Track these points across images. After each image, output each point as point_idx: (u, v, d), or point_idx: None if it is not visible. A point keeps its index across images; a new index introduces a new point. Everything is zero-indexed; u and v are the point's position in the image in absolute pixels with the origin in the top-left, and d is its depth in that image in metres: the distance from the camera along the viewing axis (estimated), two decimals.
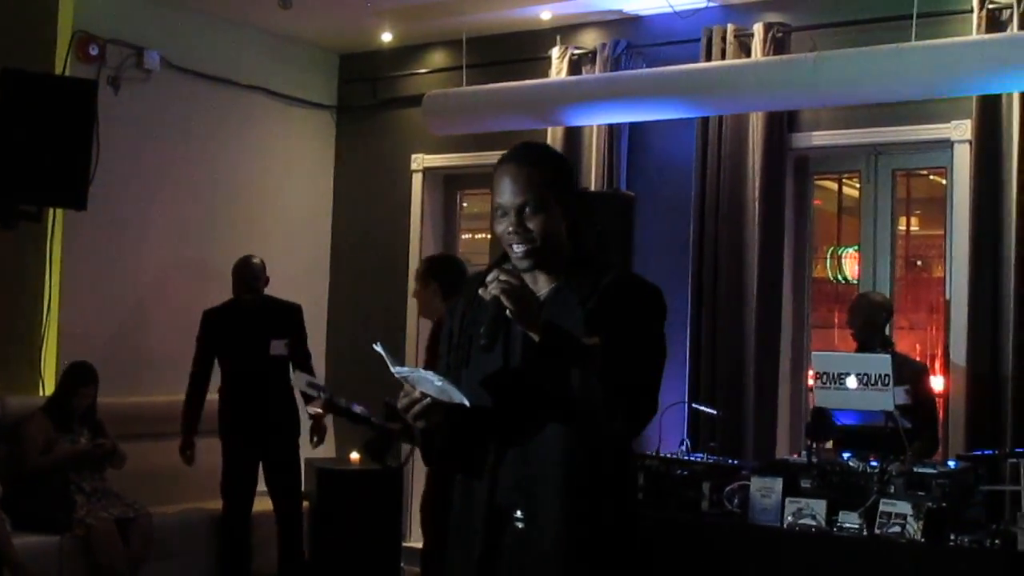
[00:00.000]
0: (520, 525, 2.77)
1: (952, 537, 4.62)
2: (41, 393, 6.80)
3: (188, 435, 6.85)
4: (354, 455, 7.78)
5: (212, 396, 6.95)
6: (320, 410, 6.57)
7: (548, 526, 2.74)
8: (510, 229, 2.78)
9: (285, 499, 6.92)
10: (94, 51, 7.09)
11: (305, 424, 6.97)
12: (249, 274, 6.86)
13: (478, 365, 2.84)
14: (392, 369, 2.72)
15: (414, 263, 8.16)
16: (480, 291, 2.70)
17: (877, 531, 4.72)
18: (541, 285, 2.86)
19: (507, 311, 2.65)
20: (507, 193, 2.79)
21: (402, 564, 7.52)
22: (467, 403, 2.67)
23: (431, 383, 2.71)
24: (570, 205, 2.85)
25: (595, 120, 7.11)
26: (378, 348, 2.75)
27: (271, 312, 6.93)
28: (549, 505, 2.74)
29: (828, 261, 7.12)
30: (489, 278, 2.67)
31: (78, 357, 6.59)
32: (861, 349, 5.89)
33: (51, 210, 6.82)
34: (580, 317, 2.74)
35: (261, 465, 6.91)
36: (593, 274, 2.83)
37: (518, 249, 2.79)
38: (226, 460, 6.83)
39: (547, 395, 2.72)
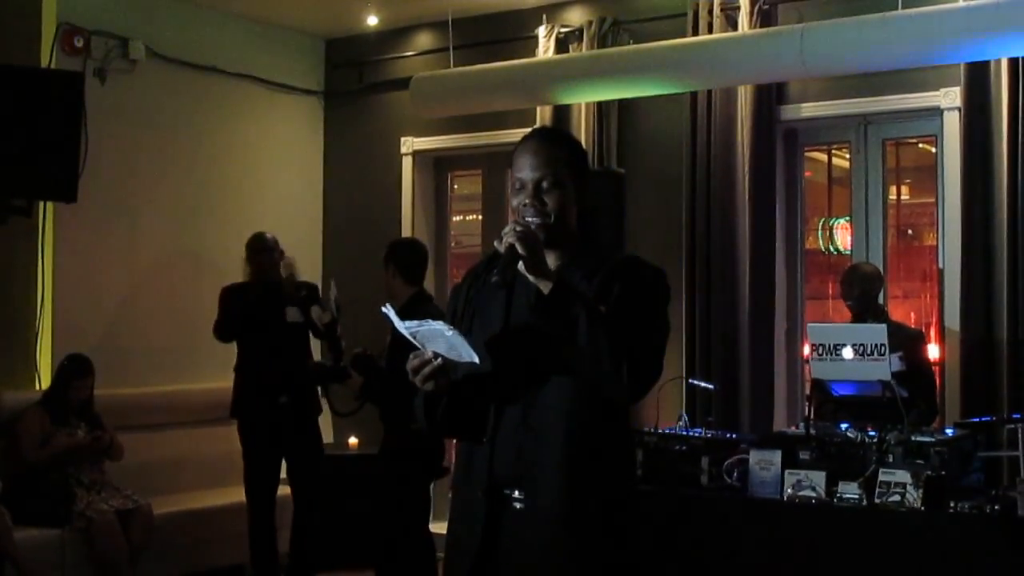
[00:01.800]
0: (519, 505, 2.80)
1: (952, 504, 4.63)
2: (37, 387, 6.79)
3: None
4: (352, 439, 7.81)
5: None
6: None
7: (548, 500, 2.77)
8: (526, 202, 2.86)
9: (303, 481, 6.87)
10: (79, 43, 7.06)
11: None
12: (261, 247, 6.79)
13: (480, 336, 2.87)
14: (402, 325, 2.75)
15: None
16: (495, 242, 2.78)
17: (877, 501, 4.73)
18: (549, 262, 2.89)
19: (519, 262, 2.73)
20: (527, 168, 2.88)
21: None
22: (477, 360, 2.71)
23: (441, 335, 2.73)
24: (583, 189, 2.93)
25: (584, 98, 7.10)
26: (385, 310, 2.81)
27: (280, 290, 6.82)
28: (550, 479, 2.77)
29: (820, 232, 7.13)
30: (505, 229, 2.76)
31: (73, 350, 6.59)
32: (856, 320, 5.90)
33: (41, 204, 6.80)
34: (586, 291, 2.80)
35: (285, 452, 6.85)
36: (598, 255, 2.91)
37: (532, 222, 2.85)
38: (246, 443, 6.74)
39: (551, 354, 2.76)
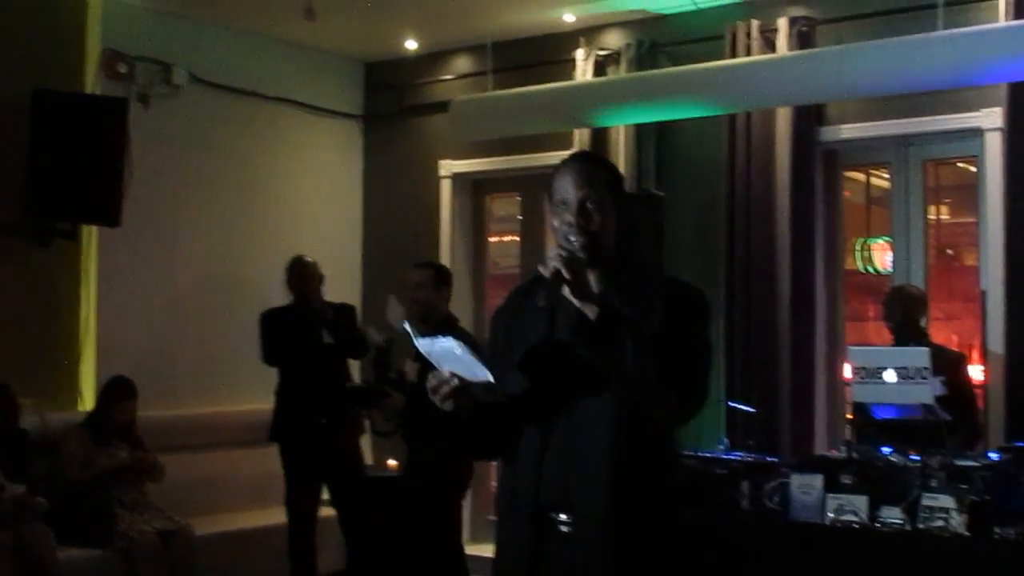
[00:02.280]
0: (565, 529, 2.80)
1: (996, 530, 4.58)
2: (80, 408, 6.86)
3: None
4: (392, 461, 7.81)
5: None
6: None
7: (594, 525, 2.77)
8: (570, 220, 2.88)
9: (344, 502, 6.90)
10: (123, 69, 7.15)
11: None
12: (301, 271, 6.84)
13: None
14: (416, 342, 2.82)
15: None
16: (539, 267, 2.80)
17: (920, 525, 4.69)
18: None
19: (563, 288, 2.77)
20: (571, 187, 2.90)
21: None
22: (491, 378, 2.75)
23: (452, 353, 2.77)
24: (621, 212, 2.96)
25: (622, 120, 7.11)
26: (406, 327, 2.89)
27: (320, 313, 6.83)
28: (595, 504, 2.77)
29: (858, 253, 7.08)
30: (550, 253, 2.79)
31: (116, 372, 6.64)
32: (897, 342, 5.86)
33: (86, 227, 6.88)
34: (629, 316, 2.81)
35: (325, 475, 6.88)
36: (636, 277, 2.93)
37: (575, 240, 2.87)
38: (286, 466, 6.78)
39: (596, 379, 2.77)
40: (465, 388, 2.80)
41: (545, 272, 2.77)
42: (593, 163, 3.01)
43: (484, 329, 8.27)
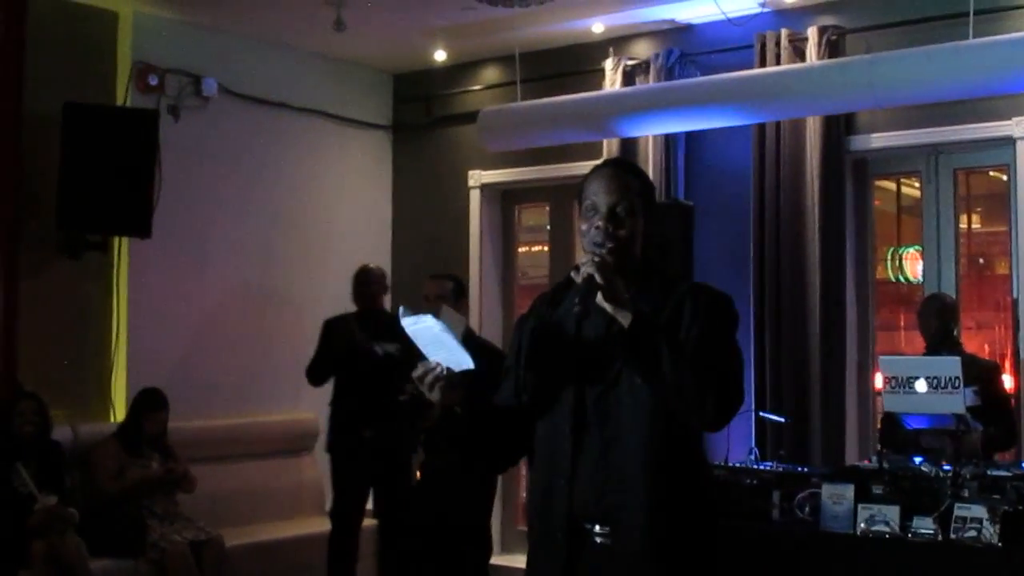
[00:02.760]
0: (600, 540, 2.80)
1: None
2: (112, 419, 6.90)
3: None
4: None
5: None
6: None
7: (632, 538, 2.76)
8: (599, 224, 2.89)
9: (389, 510, 6.91)
10: (153, 81, 7.19)
11: None
12: (365, 281, 6.91)
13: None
14: (402, 321, 2.81)
15: (474, 278, 8.20)
16: (572, 273, 2.81)
17: (952, 536, 4.65)
18: None
19: (597, 294, 2.75)
20: (602, 192, 2.91)
21: None
22: (472, 365, 2.76)
23: (435, 335, 2.78)
24: (650, 221, 2.96)
25: (651, 130, 7.11)
26: (400, 310, 2.84)
27: (384, 322, 6.84)
28: (633, 517, 2.76)
29: (888, 262, 7.05)
30: (582, 260, 2.79)
31: (147, 383, 6.68)
32: (930, 352, 5.83)
33: (116, 239, 6.94)
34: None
35: (372, 487, 6.92)
36: (662, 284, 2.93)
37: (604, 245, 2.87)
38: (333, 475, 6.84)
39: (629, 386, 2.77)
40: (453, 381, 2.79)
41: (578, 278, 2.77)
42: (626, 170, 3.01)
43: None
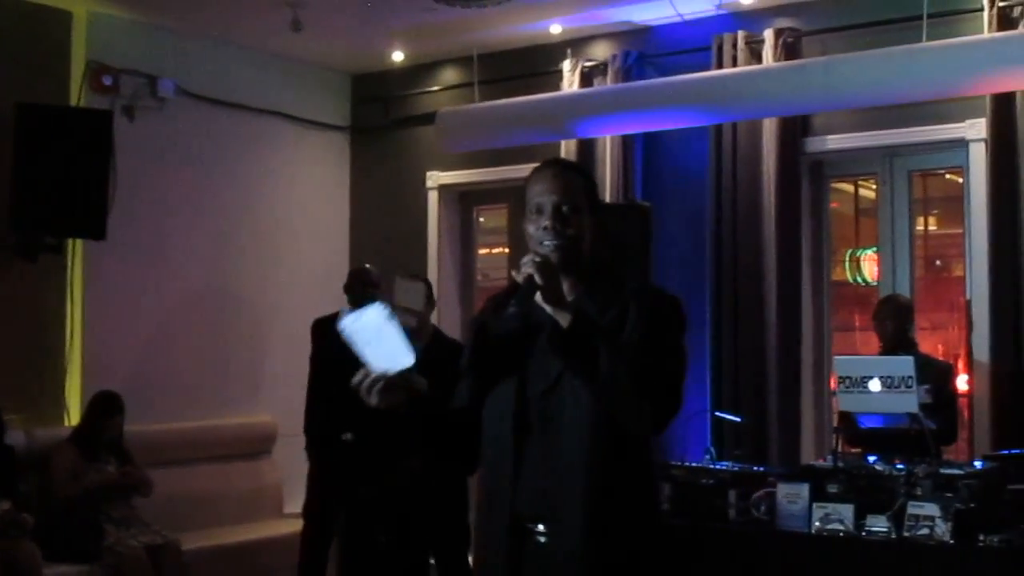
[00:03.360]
0: (542, 539, 2.80)
1: (981, 538, 4.58)
2: (67, 423, 6.84)
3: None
4: None
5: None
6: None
7: (571, 536, 2.76)
8: (545, 224, 2.86)
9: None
10: (108, 81, 7.13)
11: None
12: (358, 282, 6.82)
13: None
14: (342, 320, 2.75)
15: (433, 280, 8.16)
16: (512, 272, 2.78)
17: (906, 534, 4.68)
18: (564, 290, 2.90)
19: (537, 294, 2.74)
20: (546, 192, 2.89)
21: None
22: (411, 362, 2.71)
23: (373, 325, 2.70)
24: (598, 219, 2.95)
25: (608, 131, 7.13)
26: (343, 309, 2.84)
27: None
28: (572, 517, 2.76)
29: (847, 263, 7.11)
30: (524, 260, 2.77)
31: (102, 386, 6.63)
32: (886, 352, 5.88)
33: (71, 241, 6.88)
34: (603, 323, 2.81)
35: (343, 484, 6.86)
36: (612, 285, 2.91)
37: (549, 244, 2.85)
38: (312, 475, 6.75)
39: (571, 388, 2.76)
40: (392, 382, 2.74)
41: (518, 277, 2.76)
42: (568, 169, 3.00)
43: None
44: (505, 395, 2.87)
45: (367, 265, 6.95)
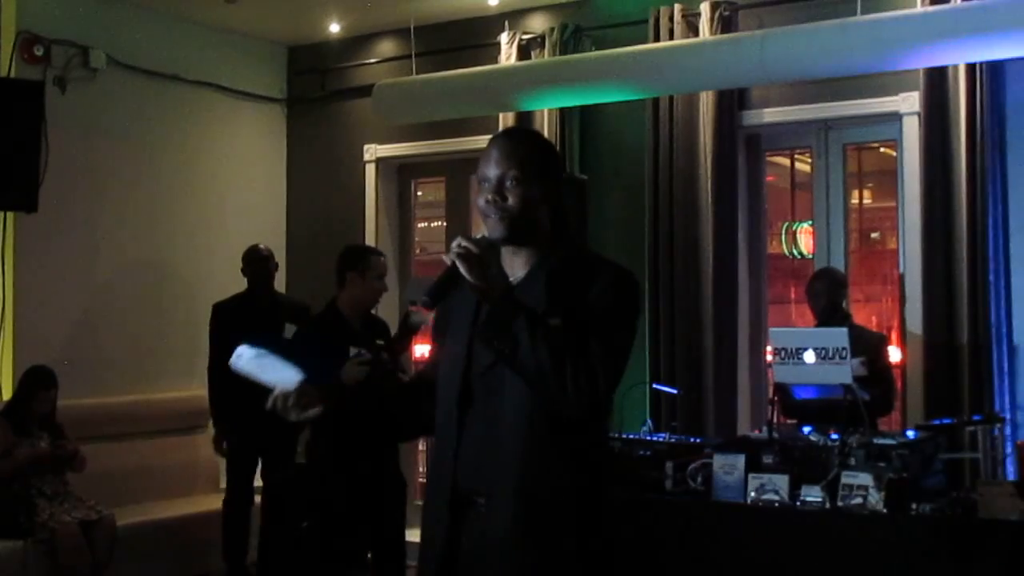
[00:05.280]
0: (480, 512, 2.81)
1: (913, 506, 4.66)
2: None
3: (218, 426, 6.93)
4: None
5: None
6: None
7: (504, 511, 2.77)
8: (489, 198, 2.83)
9: (274, 483, 6.92)
10: (39, 52, 7.00)
11: None
12: (254, 260, 6.95)
13: (451, 345, 2.93)
14: (233, 365, 2.94)
15: None
16: (443, 255, 2.74)
17: (840, 504, 4.75)
18: (518, 266, 2.89)
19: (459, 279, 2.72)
20: (492, 164, 2.85)
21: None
22: (300, 376, 2.83)
23: (258, 360, 2.91)
24: (553, 188, 2.90)
25: (546, 104, 7.11)
26: (240, 353, 2.95)
27: (279, 307, 7.00)
28: (505, 483, 2.77)
29: (783, 237, 7.16)
30: (452, 244, 2.72)
31: (35, 361, 6.54)
32: (821, 324, 5.94)
33: (2, 214, 6.75)
34: (544, 297, 2.79)
35: (260, 459, 6.94)
36: (569, 256, 2.89)
37: (494, 217, 2.83)
38: (229, 454, 6.89)
39: (505, 369, 2.75)
40: (302, 397, 2.85)
41: (447, 261, 2.73)
42: (517, 140, 2.94)
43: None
44: (453, 370, 2.88)
45: (258, 244, 6.97)
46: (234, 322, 6.82)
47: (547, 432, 2.76)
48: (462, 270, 2.70)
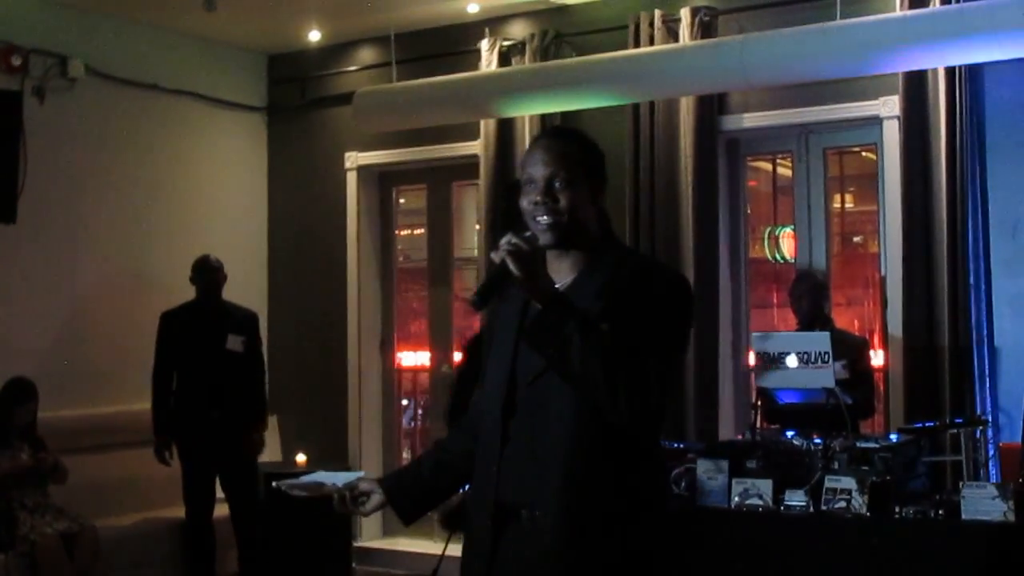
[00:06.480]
0: (523, 525, 2.73)
1: (897, 509, 4.67)
2: None
3: (161, 437, 6.87)
4: (300, 457, 7.76)
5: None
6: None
7: (548, 522, 2.68)
8: (537, 199, 2.75)
9: (241, 501, 6.93)
10: (17, 61, 6.96)
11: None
12: (205, 270, 6.94)
13: (497, 350, 2.88)
14: (286, 488, 3.05)
15: (352, 262, 8.15)
16: (492, 254, 2.65)
17: (823, 507, 4.75)
18: (564, 271, 2.81)
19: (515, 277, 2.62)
20: (538, 164, 2.77)
21: (353, 564, 7.52)
22: (359, 473, 3.02)
23: (317, 478, 3.05)
24: (600, 190, 2.84)
25: (527, 111, 7.11)
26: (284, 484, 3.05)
27: (228, 316, 7.01)
28: (548, 504, 2.68)
29: (765, 241, 7.16)
30: (501, 241, 2.63)
31: (15, 372, 6.49)
32: (803, 328, 5.94)
33: None
34: (598, 303, 2.69)
35: (218, 467, 6.93)
36: (619, 259, 2.80)
37: (542, 221, 2.74)
38: (184, 465, 6.86)
39: (554, 376, 2.67)
40: (365, 493, 3.01)
41: (495, 259, 2.62)
42: (564, 139, 2.86)
43: (392, 324, 8.26)
44: (498, 379, 2.81)
45: (208, 255, 7.00)
46: (182, 331, 6.89)
47: (594, 445, 2.67)
48: (512, 268, 2.59)
